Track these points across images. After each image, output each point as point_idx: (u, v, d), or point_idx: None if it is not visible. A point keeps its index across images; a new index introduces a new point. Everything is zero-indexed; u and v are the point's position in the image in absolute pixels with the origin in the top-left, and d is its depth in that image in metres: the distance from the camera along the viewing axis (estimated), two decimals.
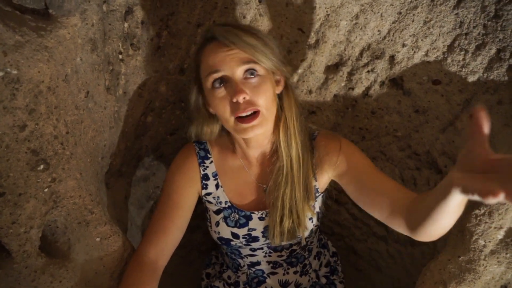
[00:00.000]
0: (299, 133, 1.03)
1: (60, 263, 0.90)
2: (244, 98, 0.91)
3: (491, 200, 0.50)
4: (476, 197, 0.53)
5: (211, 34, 0.96)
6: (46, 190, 0.84)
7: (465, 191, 0.56)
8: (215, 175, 1.12)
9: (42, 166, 0.82)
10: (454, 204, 0.66)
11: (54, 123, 0.83)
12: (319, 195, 1.11)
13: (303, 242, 1.15)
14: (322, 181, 1.09)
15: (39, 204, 0.83)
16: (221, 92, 0.94)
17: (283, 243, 1.11)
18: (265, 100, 0.94)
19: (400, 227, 0.90)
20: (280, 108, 1.04)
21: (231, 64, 0.92)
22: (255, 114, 0.94)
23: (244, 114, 0.93)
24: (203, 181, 1.12)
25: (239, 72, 0.93)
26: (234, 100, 0.91)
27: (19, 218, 0.80)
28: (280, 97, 1.05)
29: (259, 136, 1.02)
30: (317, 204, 1.12)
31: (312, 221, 1.10)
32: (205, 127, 1.08)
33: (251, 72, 0.94)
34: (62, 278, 0.88)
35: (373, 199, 0.96)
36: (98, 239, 0.97)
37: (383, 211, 0.93)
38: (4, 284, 0.82)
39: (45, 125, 0.81)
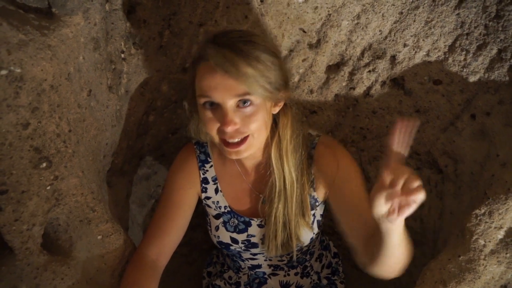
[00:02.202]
0: (293, 152, 1.00)
1: (62, 261, 0.90)
2: (233, 128, 0.88)
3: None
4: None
5: (206, 57, 0.87)
6: (48, 188, 0.85)
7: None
8: (214, 180, 1.12)
9: (44, 164, 0.83)
10: (387, 232, 0.76)
11: (56, 121, 0.84)
12: (320, 203, 1.10)
13: (294, 257, 1.14)
14: (321, 191, 1.08)
15: (42, 202, 0.84)
16: (211, 113, 0.90)
17: (278, 255, 1.11)
18: (256, 127, 0.91)
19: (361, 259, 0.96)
20: (275, 124, 1.01)
21: (224, 94, 0.86)
22: (243, 139, 0.91)
23: (231, 140, 0.91)
24: (203, 185, 1.12)
25: (231, 102, 0.87)
26: (222, 129, 0.89)
27: (21, 215, 0.81)
28: (277, 114, 1.01)
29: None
30: (318, 212, 1.12)
31: (313, 232, 1.10)
32: (202, 126, 1.05)
33: (244, 101, 0.88)
34: (64, 275, 0.89)
35: (353, 225, 0.97)
36: (99, 237, 0.97)
37: (359, 239, 0.95)
38: (6, 281, 0.82)
39: (48, 123, 0.82)
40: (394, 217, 0.70)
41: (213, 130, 0.92)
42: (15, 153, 0.77)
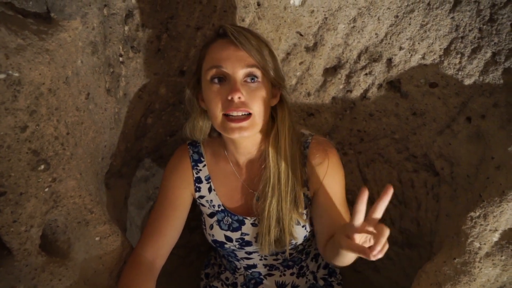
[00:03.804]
0: (290, 146, 1.03)
1: (60, 262, 0.91)
2: (239, 98, 0.92)
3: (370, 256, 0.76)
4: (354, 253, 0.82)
5: (222, 31, 0.97)
6: (46, 189, 0.86)
7: (345, 249, 0.82)
8: (208, 179, 1.13)
9: (42, 166, 0.84)
10: (345, 252, 0.88)
11: (54, 124, 0.85)
12: (311, 202, 1.12)
13: (287, 255, 1.16)
14: (312, 190, 1.10)
15: (40, 204, 0.85)
16: (218, 88, 0.95)
17: (271, 252, 1.12)
18: (259, 106, 0.95)
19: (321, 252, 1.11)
20: (273, 120, 1.05)
21: (235, 64, 0.93)
22: (246, 116, 0.95)
23: (235, 113, 0.94)
24: (196, 184, 1.13)
25: (240, 73, 0.94)
26: (229, 98, 0.92)
27: (20, 217, 0.82)
28: (274, 109, 1.05)
29: (247, 142, 1.04)
30: (310, 210, 1.12)
31: (305, 228, 1.11)
32: (197, 122, 1.08)
33: (252, 77, 0.95)
34: (61, 276, 0.90)
35: (324, 226, 1.06)
36: (97, 238, 0.98)
37: (323, 239, 1.07)
38: (4, 282, 0.83)
39: (46, 126, 0.83)
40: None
41: (217, 105, 0.95)
42: (13, 155, 0.79)
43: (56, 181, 0.87)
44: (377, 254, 0.76)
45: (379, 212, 0.80)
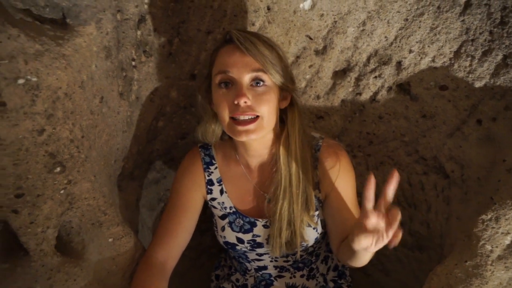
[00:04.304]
0: (301, 149, 1.04)
1: (74, 262, 0.93)
2: (245, 102, 0.94)
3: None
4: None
5: (229, 37, 0.99)
6: (62, 191, 0.87)
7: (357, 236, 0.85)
8: (219, 181, 1.15)
9: (58, 169, 0.86)
10: (360, 252, 0.91)
11: (70, 128, 0.87)
12: (322, 204, 1.12)
13: (298, 256, 1.17)
14: (323, 193, 1.11)
15: (56, 205, 0.87)
16: (225, 92, 0.97)
17: (282, 254, 1.13)
18: (266, 109, 0.96)
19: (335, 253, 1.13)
20: (283, 123, 1.06)
21: (241, 69, 0.95)
22: (253, 119, 0.96)
23: (241, 117, 0.95)
24: (208, 186, 1.15)
25: (246, 78, 0.95)
26: (236, 102, 0.94)
27: (36, 218, 0.84)
28: (285, 111, 1.06)
29: (257, 145, 1.05)
30: (321, 212, 1.13)
31: (316, 230, 1.12)
32: (209, 125, 1.10)
33: (257, 81, 0.97)
34: (76, 276, 0.92)
35: (337, 228, 1.08)
36: (110, 240, 1.00)
37: (336, 240, 1.09)
38: (22, 282, 0.85)
39: (62, 130, 0.85)
40: (372, 249, 0.85)
41: (225, 109, 0.97)
42: (31, 158, 0.80)
43: (71, 183, 0.89)
44: (393, 238, 0.80)
45: (389, 196, 0.82)
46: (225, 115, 0.97)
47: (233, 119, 0.96)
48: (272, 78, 0.97)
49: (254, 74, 0.96)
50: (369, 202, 0.83)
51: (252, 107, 0.95)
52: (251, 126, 0.95)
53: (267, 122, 0.98)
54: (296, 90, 1.07)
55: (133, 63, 1.13)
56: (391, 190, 0.82)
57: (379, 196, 0.83)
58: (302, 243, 1.09)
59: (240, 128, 0.95)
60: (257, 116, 0.96)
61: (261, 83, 0.97)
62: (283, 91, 1.04)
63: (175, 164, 1.48)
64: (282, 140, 1.03)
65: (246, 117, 0.95)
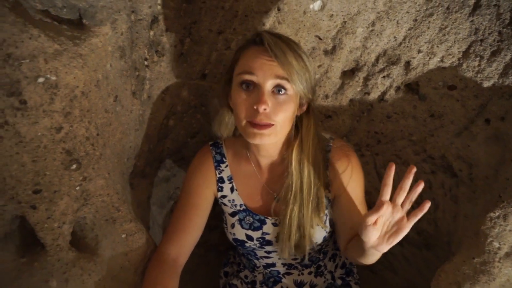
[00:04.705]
0: (313, 156, 1.04)
1: (89, 257, 0.95)
2: (264, 109, 0.94)
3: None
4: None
5: (259, 39, 0.97)
6: (77, 188, 0.90)
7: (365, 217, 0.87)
8: (230, 179, 1.16)
9: (74, 166, 0.88)
10: (370, 251, 0.94)
11: (86, 125, 0.89)
12: (331, 203, 1.14)
13: (306, 259, 1.19)
14: (333, 193, 1.12)
15: (72, 201, 0.89)
16: (246, 94, 0.97)
17: (291, 257, 1.16)
18: (283, 118, 0.96)
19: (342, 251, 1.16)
20: (298, 128, 1.06)
21: (266, 73, 0.94)
22: (269, 125, 0.96)
23: (257, 122, 0.95)
24: (219, 184, 1.16)
25: (269, 83, 0.94)
26: (255, 107, 0.94)
27: (53, 213, 0.86)
28: (300, 117, 1.07)
29: (269, 147, 1.06)
30: (330, 210, 1.14)
31: (326, 230, 1.13)
32: (223, 118, 1.11)
33: (279, 89, 0.95)
34: (91, 271, 0.94)
35: (346, 227, 1.10)
36: (123, 236, 1.02)
37: (344, 239, 1.11)
38: (39, 276, 0.87)
39: (79, 127, 0.87)
40: (383, 246, 0.89)
41: (242, 111, 0.97)
42: (49, 155, 0.83)
43: (87, 180, 0.91)
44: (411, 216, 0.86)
45: (405, 189, 0.86)
46: (242, 116, 0.97)
47: (248, 121, 0.97)
48: (294, 88, 0.96)
49: (278, 81, 0.94)
50: (387, 189, 0.86)
51: (269, 115, 0.94)
52: (265, 131, 0.95)
53: (281, 129, 0.98)
54: (314, 102, 1.07)
55: (146, 62, 1.15)
56: (406, 183, 0.86)
57: (396, 189, 0.86)
58: (306, 249, 1.11)
59: (256, 131, 0.95)
60: (272, 124, 0.96)
61: (283, 91, 0.96)
62: (302, 99, 1.03)
63: (185, 163, 1.50)
64: (295, 146, 1.04)
65: (262, 124, 0.95)
